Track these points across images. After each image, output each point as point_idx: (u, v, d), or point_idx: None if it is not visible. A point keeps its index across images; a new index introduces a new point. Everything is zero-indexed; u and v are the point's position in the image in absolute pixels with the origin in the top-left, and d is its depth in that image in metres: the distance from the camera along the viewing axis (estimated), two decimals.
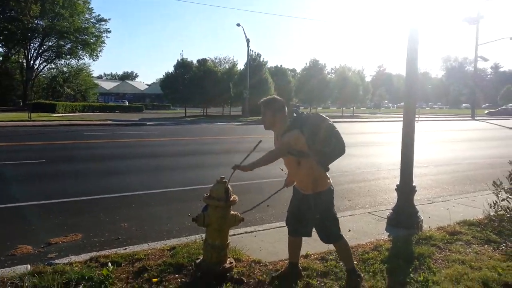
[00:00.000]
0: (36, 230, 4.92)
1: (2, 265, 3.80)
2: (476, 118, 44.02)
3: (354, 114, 51.72)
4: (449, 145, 16.03)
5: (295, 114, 3.21)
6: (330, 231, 3.29)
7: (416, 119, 5.40)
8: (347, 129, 22.04)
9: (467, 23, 45.58)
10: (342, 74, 50.12)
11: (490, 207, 3.28)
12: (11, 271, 3.46)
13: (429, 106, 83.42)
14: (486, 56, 46.33)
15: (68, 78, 56.03)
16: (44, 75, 56.85)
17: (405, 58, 5.17)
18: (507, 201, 3.25)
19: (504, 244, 4.05)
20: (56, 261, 3.77)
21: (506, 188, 3.25)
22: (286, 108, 3.24)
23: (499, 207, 3.26)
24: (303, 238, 3.50)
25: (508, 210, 3.23)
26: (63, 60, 55.12)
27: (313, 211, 3.17)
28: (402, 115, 5.34)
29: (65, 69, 56.68)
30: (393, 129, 10.01)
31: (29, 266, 3.55)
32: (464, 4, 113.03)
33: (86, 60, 61.22)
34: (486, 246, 4.39)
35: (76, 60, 55.74)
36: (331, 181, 3.27)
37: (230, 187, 3.39)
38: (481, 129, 28.01)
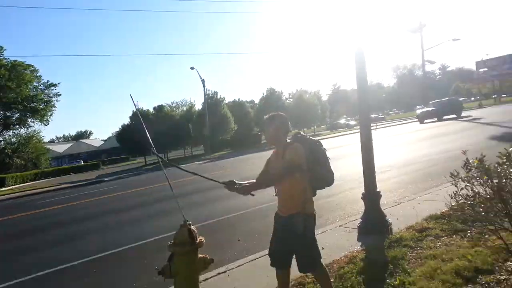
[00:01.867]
0: None
1: None
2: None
3: (316, 133, 52.82)
4: (407, 147, 16.52)
5: (298, 135, 3.31)
6: (313, 258, 3.18)
7: (374, 127, 5.53)
8: None
9: (411, 32, 48.75)
10: (299, 98, 51.48)
11: (451, 198, 3.33)
12: None
13: (385, 113, 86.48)
14: (433, 59, 50.11)
15: (18, 148, 52.80)
16: None
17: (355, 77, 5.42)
18: (466, 189, 3.31)
19: (469, 231, 4.14)
20: None
21: (463, 177, 3.32)
22: (289, 124, 3.26)
23: (459, 196, 3.33)
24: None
25: (468, 197, 3.28)
26: (11, 131, 52.62)
27: (300, 233, 3.03)
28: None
29: (13, 139, 53.71)
30: (353, 141, 10.22)
31: None
32: (407, 16, 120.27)
33: (37, 126, 58.29)
34: (454, 236, 4.46)
35: (25, 129, 53.40)
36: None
37: (194, 229, 3.22)
38: (433, 127, 29.21)
